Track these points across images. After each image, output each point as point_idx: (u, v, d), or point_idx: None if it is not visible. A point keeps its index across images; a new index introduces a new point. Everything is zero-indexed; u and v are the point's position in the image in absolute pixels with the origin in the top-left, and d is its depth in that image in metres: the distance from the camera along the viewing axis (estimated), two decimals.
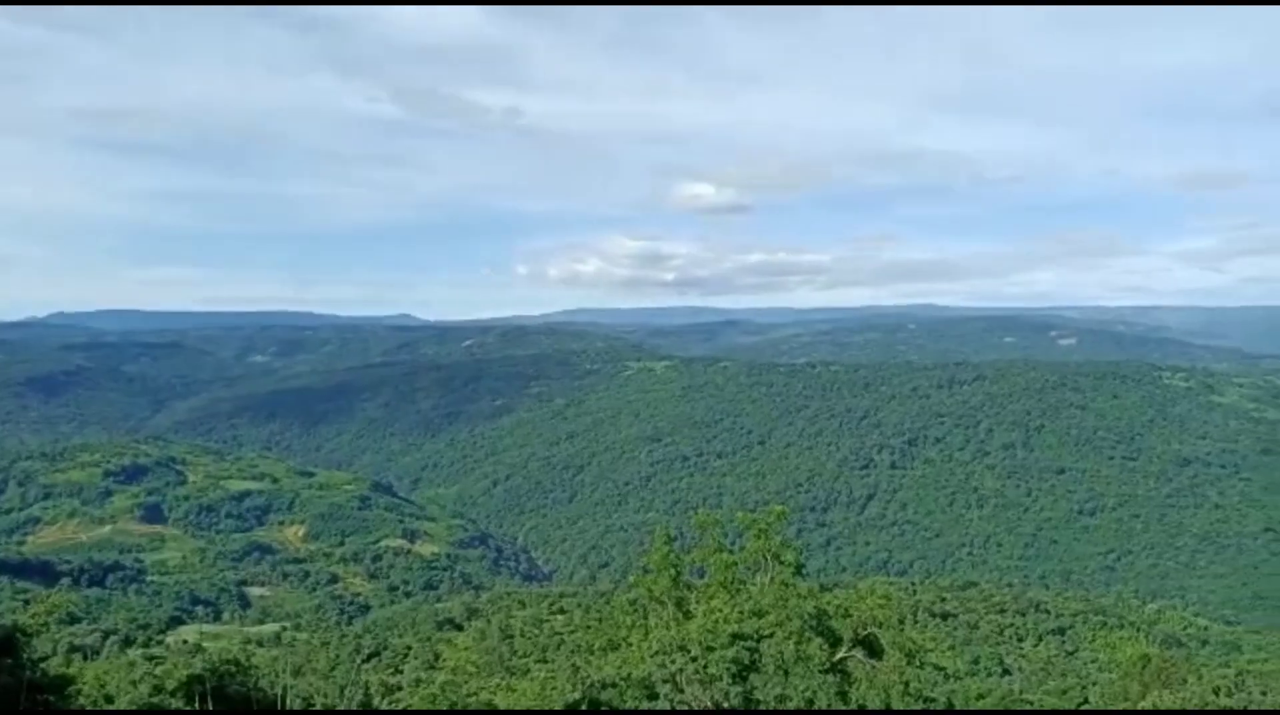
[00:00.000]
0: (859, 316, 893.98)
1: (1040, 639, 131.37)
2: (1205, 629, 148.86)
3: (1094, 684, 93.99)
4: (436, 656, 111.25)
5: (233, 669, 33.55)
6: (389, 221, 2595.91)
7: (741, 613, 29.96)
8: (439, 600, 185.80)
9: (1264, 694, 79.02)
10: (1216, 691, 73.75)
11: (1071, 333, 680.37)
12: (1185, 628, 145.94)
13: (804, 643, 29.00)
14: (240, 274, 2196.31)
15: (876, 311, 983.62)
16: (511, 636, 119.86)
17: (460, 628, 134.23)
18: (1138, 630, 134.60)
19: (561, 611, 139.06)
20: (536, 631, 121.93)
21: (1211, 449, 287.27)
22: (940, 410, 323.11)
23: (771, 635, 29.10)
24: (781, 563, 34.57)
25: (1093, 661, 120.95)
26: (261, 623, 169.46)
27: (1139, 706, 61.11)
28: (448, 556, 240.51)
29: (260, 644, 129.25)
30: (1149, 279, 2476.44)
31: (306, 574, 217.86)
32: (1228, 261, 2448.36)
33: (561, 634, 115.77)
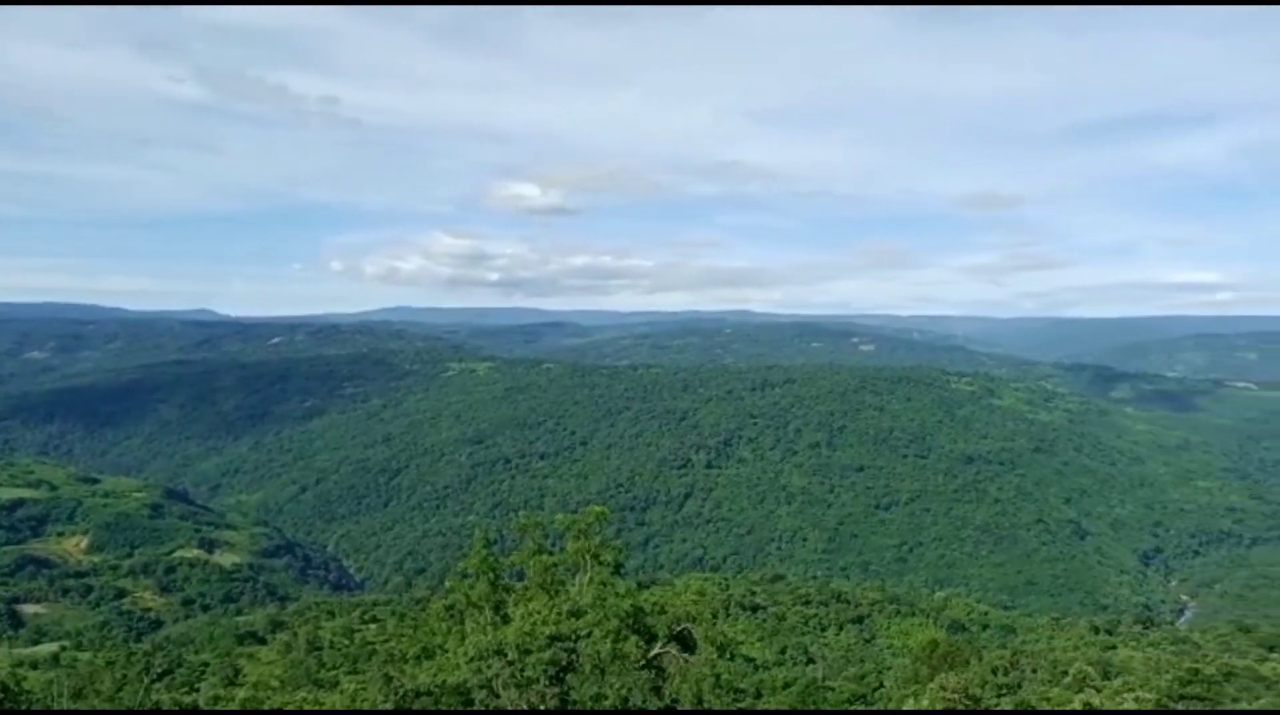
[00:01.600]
0: (679, 321, 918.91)
1: (841, 627, 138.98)
2: (986, 614, 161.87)
3: (889, 669, 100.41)
4: (236, 672, 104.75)
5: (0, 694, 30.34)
6: (189, 209, 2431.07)
7: (559, 614, 30.05)
8: (240, 613, 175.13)
9: (1034, 671, 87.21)
10: (995, 671, 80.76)
11: (871, 339, 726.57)
12: (969, 613, 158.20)
13: (621, 641, 29.41)
14: (13, 262, 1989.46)
15: (696, 316, 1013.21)
16: (320, 648, 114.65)
17: (263, 641, 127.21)
18: (928, 616, 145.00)
19: (374, 620, 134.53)
20: (347, 642, 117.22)
21: (992, 447, 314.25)
22: (754, 411, 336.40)
23: (589, 635, 29.33)
24: (601, 563, 34.93)
25: (888, 647, 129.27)
26: (36, 643, 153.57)
27: (927, 688, 65.73)
28: (250, 567, 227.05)
29: (34, 666, 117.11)
30: (939, 290, 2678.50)
31: (89, 589, 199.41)
32: (1005, 276, 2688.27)
33: (374, 643, 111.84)
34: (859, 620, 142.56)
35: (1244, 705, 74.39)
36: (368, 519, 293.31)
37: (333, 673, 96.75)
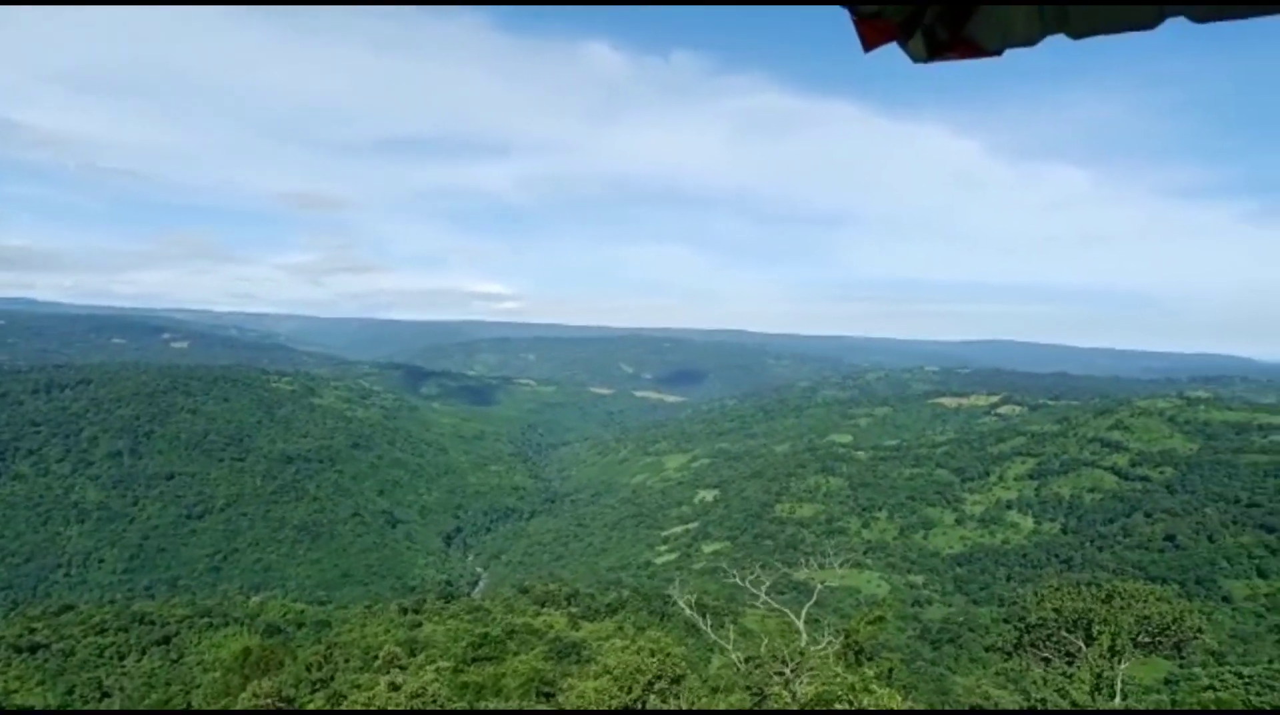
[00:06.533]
0: None
1: (144, 652, 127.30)
2: (302, 612, 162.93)
3: (198, 686, 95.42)
4: None
5: None
6: None
7: None
8: None
9: (347, 661, 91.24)
10: (309, 668, 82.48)
11: (185, 336, 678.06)
12: (285, 614, 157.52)
13: None
14: None
15: None
16: None
17: None
18: (242, 624, 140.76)
19: None
20: None
21: (312, 446, 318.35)
22: (36, 418, 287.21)
23: None
24: None
25: (199, 664, 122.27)
26: None
27: (239, 697, 64.44)
28: None
29: None
30: (259, 287, 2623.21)
31: None
32: (327, 276, 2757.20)
33: None
34: (165, 641, 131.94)
35: (523, 657, 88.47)
36: None
37: None
